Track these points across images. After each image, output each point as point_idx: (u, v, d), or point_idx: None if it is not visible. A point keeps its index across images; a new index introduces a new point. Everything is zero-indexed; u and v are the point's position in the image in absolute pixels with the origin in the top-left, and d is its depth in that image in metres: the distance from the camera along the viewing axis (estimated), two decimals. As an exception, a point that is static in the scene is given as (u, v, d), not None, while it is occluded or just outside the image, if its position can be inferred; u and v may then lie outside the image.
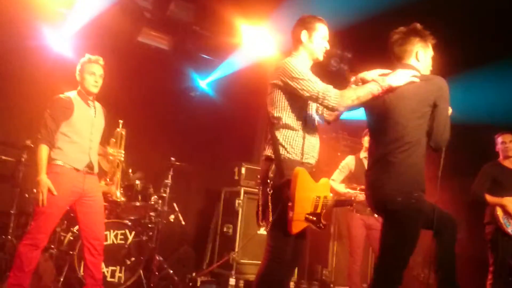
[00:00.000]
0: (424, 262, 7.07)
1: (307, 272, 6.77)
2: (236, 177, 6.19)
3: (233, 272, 5.68)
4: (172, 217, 5.39)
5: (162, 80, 6.39)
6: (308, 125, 3.06)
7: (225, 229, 6.06)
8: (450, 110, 2.91)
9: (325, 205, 3.05)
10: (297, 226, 2.92)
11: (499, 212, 4.71)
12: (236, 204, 5.92)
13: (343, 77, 7.19)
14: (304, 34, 3.11)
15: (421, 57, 3.00)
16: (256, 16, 5.91)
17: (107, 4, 5.36)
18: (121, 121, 4.40)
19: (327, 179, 3.17)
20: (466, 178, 5.25)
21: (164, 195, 5.24)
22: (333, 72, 7.03)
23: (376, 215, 5.12)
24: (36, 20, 5.34)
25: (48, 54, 5.52)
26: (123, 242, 4.74)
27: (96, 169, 3.89)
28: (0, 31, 5.13)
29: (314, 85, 2.89)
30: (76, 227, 4.68)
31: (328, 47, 3.20)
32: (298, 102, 3.01)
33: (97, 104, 3.99)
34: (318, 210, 3.02)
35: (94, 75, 3.84)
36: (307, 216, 2.94)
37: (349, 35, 6.02)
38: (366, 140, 5.37)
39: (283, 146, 2.97)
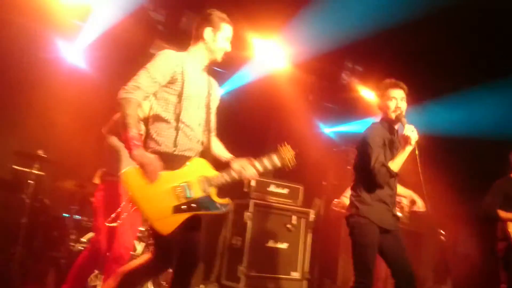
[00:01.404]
0: (435, 276, 7.00)
1: (316, 286, 6.72)
2: (246, 189, 6.19)
3: (241, 285, 5.66)
4: (181, 229, 5.39)
5: (173, 92, 6.43)
6: (186, 117, 2.87)
7: (233, 241, 6.04)
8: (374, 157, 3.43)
9: (203, 184, 2.83)
10: (167, 223, 2.69)
11: (511, 228, 4.65)
12: (245, 217, 5.91)
13: (354, 90, 7.21)
14: (208, 32, 3.02)
15: (381, 108, 3.65)
16: (267, 29, 5.95)
17: (120, 16, 5.43)
18: None
19: (200, 159, 2.93)
20: (473, 193, 5.22)
21: (174, 206, 5.24)
22: (344, 85, 7.05)
23: None
24: (51, 33, 5.43)
25: (62, 66, 5.59)
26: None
27: None
28: (16, 43, 5.22)
29: (139, 77, 2.81)
30: (86, 237, 4.72)
31: (229, 49, 3.11)
32: (169, 93, 2.87)
33: None
34: (197, 195, 2.80)
35: None
36: (178, 207, 2.72)
37: (360, 48, 6.04)
38: None
39: (154, 140, 2.82)
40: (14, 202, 4.86)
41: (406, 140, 3.36)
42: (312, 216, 6.34)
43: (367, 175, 3.44)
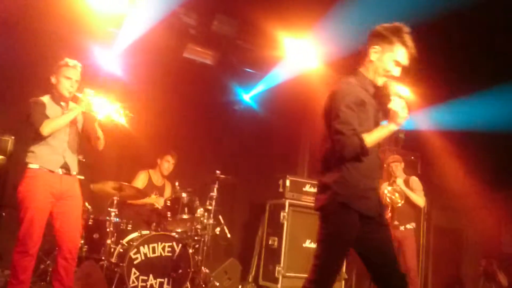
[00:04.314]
0: (477, 277, 6.83)
1: (354, 286, 6.66)
2: (281, 190, 6.19)
3: (279, 286, 5.66)
4: (218, 230, 5.44)
5: (206, 94, 6.51)
6: None
7: (270, 242, 6.05)
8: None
9: None
10: None
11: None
12: (281, 217, 5.91)
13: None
14: None
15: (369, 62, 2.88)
16: (298, 29, 5.93)
17: (153, 22, 5.52)
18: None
19: None
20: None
21: (210, 207, 5.30)
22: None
23: (402, 228, 5.65)
24: (87, 40, 5.57)
25: (99, 73, 5.73)
26: (170, 254, 4.81)
27: (73, 170, 3.78)
28: (53, 51, 5.37)
29: None
30: (126, 239, 4.82)
31: None
32: None
33: (73, 105, 3.85)
34: None
35: (70, 80, 3.76)
36: None
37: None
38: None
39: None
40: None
41: (393, 116, 2.69)
42: (348, 216, 6.28)
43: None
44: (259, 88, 6.87)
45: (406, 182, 5.83)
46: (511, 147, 6.18)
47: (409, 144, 7.24)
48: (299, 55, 6.32)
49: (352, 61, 6.52)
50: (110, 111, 3.88)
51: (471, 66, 5.91)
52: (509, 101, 5.74)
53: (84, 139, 3.95)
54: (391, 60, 2.77)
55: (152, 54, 5.82)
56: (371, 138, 2.66)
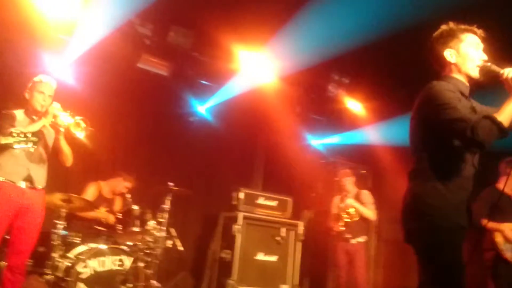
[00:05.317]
0: None
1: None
2: (235, 202, 6.18)
3: (231, 299, 5.62)
4: (169, 243, 5.36)
5: (161, 106, 6.44)
6: None
7: (223, 255, 6.01)
8: None
9: None
10: None
11: (498, 238, 4.67)
12: (234, 230, 5.89)
13: (341, 102, 7.26)
14: None
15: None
16: (254, 42, 6.00)
17: (107, 31, 5.43)
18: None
19: None
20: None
21: (162, 220, 5.21)
22: (331, 97, 7.10)
23: (354, 241, 5.80)
24: (37, 47, 5.40)
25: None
26: (120, 268, 4.69)
27: (38, 184, 3.81)
28: (1, 58, 5.18)
29: None
30: (73, 253, 4.66)
31: None
32: None
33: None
34: None
35: (43, 94, 3.87)
36: None
37: (346, 60, 6.10)
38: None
39: None
40: None
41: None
42: (301, 228, 6.34)
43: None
44: (214, 100, 6.87)
45: (357, 196, 5.95)
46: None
47: (360, 158, 7.44)
48: (254, 69, 6.38)
49: (306, 75, 6.66)
50: (70, 124, 3.95)
51: (420, 83, 6.13)
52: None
53: (53, 154, 3.99)
54: (469, 47, 2.66)
55: (105, 63, 5.71)
56: (503, 116, 2.34)
